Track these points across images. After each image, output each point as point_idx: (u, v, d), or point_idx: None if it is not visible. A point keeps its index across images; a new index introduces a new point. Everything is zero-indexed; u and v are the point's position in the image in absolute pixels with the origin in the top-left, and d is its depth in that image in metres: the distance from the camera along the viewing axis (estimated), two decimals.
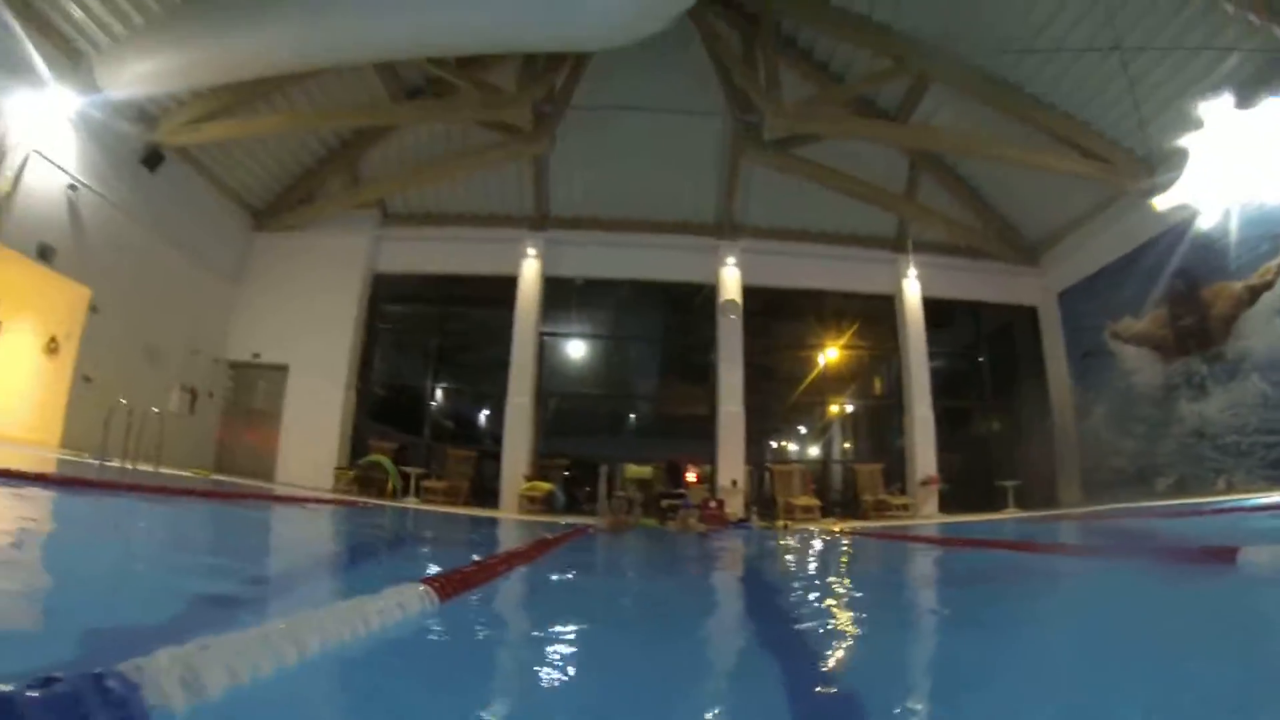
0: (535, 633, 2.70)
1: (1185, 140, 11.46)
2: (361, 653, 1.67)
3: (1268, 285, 12.00)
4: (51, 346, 12.75)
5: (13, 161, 10.90)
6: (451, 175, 16.87)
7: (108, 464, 9.44)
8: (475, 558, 4.93)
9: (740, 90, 14.93)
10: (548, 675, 1.87)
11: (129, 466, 9.30)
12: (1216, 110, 10.94)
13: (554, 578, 4.79)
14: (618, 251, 17.40)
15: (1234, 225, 12.54)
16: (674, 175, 17.19)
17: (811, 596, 4.18)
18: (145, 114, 13.45)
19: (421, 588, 2.13)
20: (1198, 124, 11.14)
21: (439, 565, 4.65)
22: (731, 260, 17.13)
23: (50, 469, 7.83)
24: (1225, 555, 3.44)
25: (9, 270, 11.60)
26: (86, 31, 11.67)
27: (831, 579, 5.31)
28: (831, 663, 2.13)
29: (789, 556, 7.18)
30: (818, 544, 8.68)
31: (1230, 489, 12.49)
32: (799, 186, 16.69)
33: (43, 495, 5.47)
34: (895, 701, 1.61)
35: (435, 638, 2.07)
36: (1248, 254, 12.35)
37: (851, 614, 3.36)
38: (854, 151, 16.03)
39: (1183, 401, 13.78)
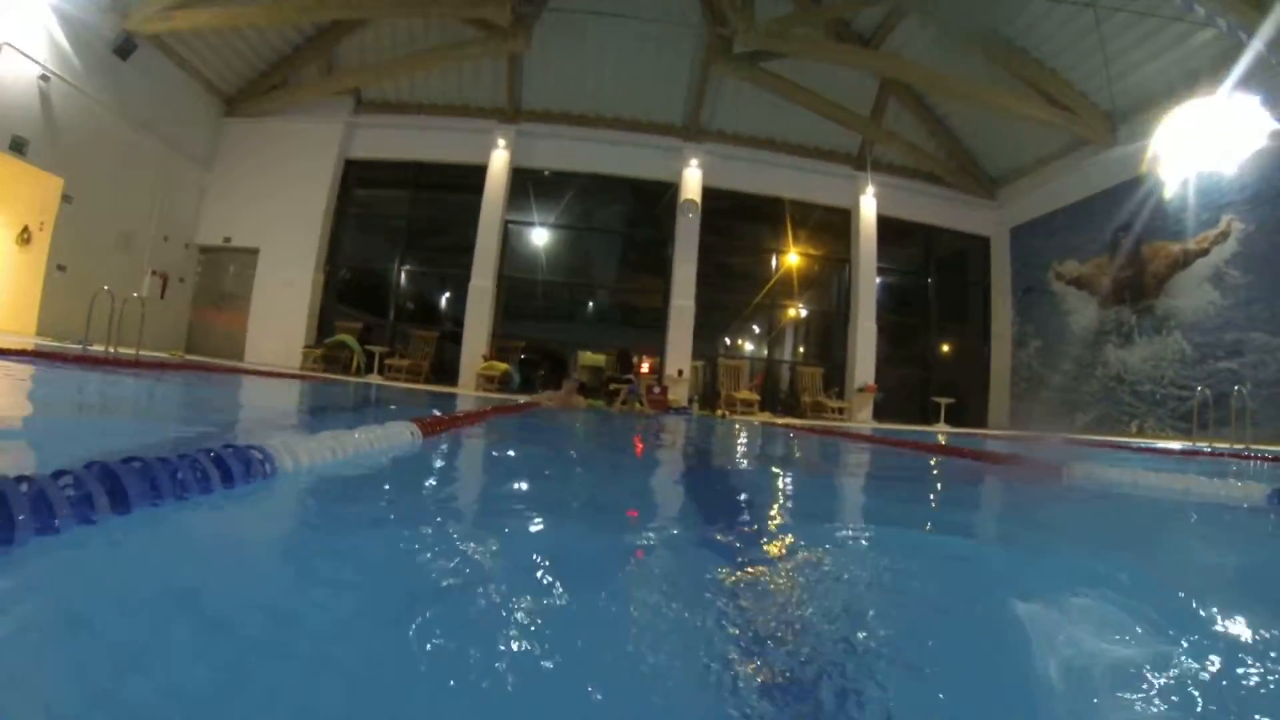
0: (492, 457, 4.22)
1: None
2: (374, 459, 2.82)
3: (1203, 252, 13.26)
4: (24, 237, 13.37)
5: None
6: (427, 67, 17.36)
7: (91, 349, 10.05)
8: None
9: (716, 3, 15.55)
10: (503, 485, 3.10)
11: (111, 350, 9.93)
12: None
13: (509, 431, 6.16)
14: (585, 146, 18.18)
15: (1184, 191, 13.62)
16: (645, 78, 17.78)
17: (706, 450, 5.54)
18: (117, 2, 13.70)
19: (410, 424, 3.29)
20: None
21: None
22: (695, 162, 17.93)
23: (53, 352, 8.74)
24: (1056, 470, 4.92)
25: None
26: None
27: (726, 445, 6.65)
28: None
29: (703, 431, 8.97)
30: (737, 428, 10.34)
31: (1140, 433, 14.03)
32: (766, 97, 17.37)
33: (66, 372, 6.47)
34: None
35: (419, 456, 3.26)
36: (1189, 220, 13.54)
37: (732, 460, 4.66)
38: (825, 69, 16.72)
39: (1110, 346, 15.28)
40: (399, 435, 3.16)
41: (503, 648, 1.02)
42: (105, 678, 0.82)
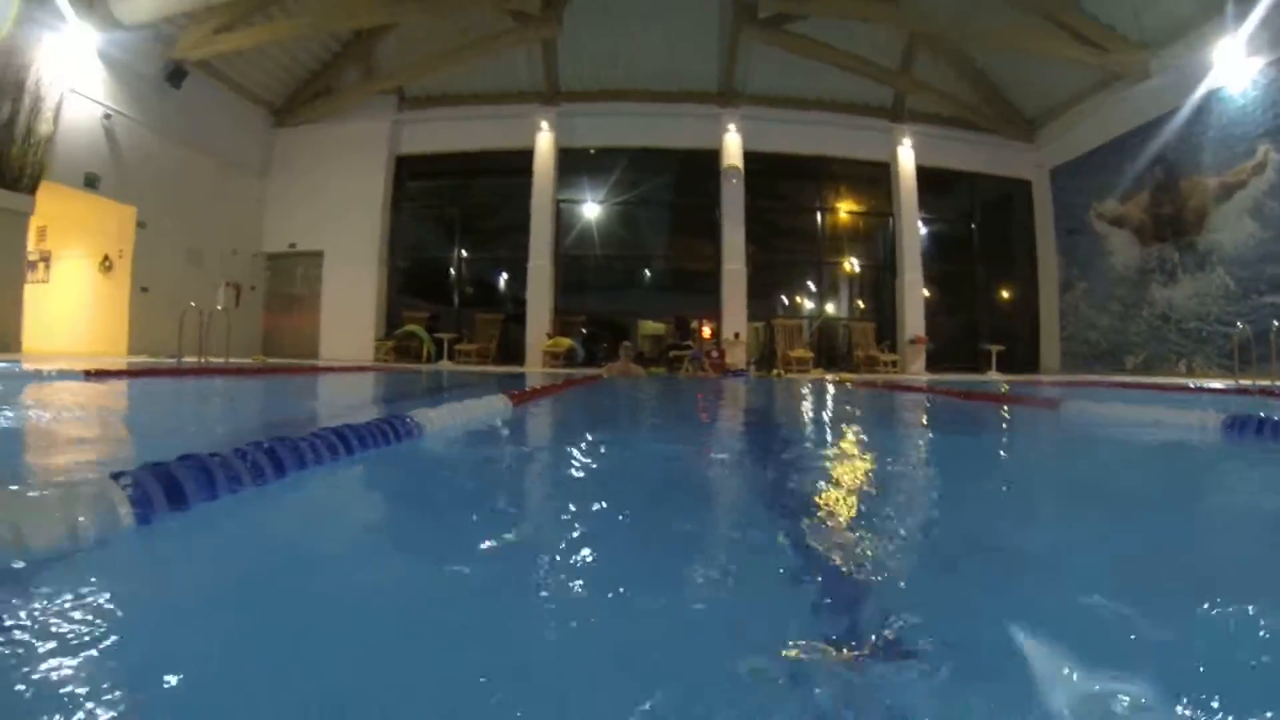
0: (572, 419, 5.46)
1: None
2: (480, 424, 3.96)
3: (1241, 184, 13.50)
4: (106, 265, 14.91)
5: (51, 104, 12.57)
6: (464, 61, 18.27)
7: (184, 360, 11.25)
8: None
9: None
10: (581, 441, 4.25)
11: (203, 360, 11.02)
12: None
13: (582, 397, 7.50)
14: (626, 121, 19.03)
15: (1220, 123, 13.90)
16: (677, 49, 18.49)
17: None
18: (162, 35, 14.86)
19: (503, 396, 4.44)
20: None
21: None
22: (733, 127, 18.65)
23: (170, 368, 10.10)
24: (1054, 403, 6.03)
25: (57, 204, 13.49)
26: None
27: (774, 397, 7.75)
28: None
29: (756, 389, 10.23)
30: (793, 385, 11.44)
31: (1189, 372, 14.43)
32: (797, 57, 17.97)
33: (213, 382, 7.80)
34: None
35: (513, 420, 4.43)
36: (1226, 152, 13.77)
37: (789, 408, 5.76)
38: (852, 25, 17.31)
39: (1154, 285, 15.61)
40: (496, 404, 4.34)
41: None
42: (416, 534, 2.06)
